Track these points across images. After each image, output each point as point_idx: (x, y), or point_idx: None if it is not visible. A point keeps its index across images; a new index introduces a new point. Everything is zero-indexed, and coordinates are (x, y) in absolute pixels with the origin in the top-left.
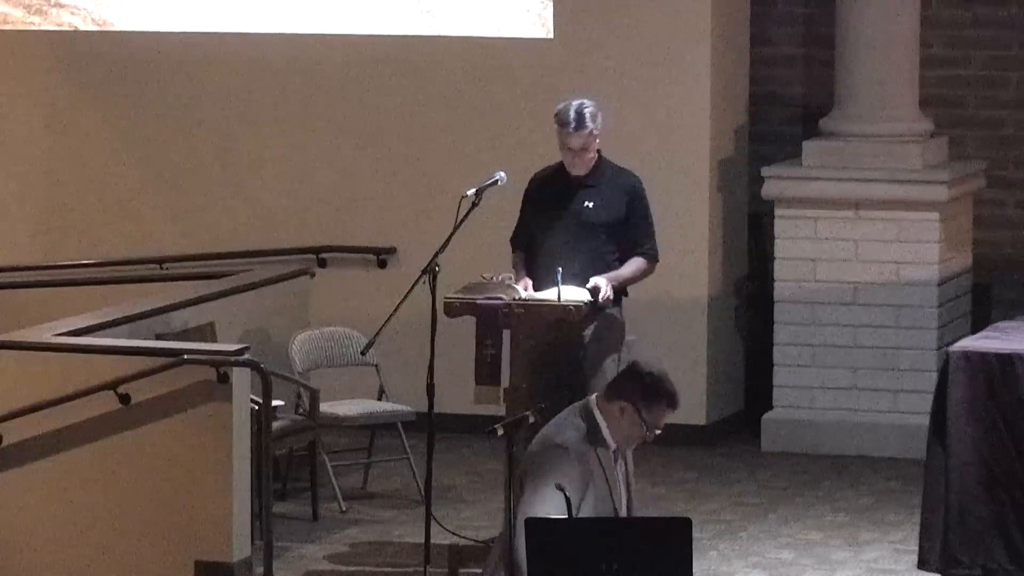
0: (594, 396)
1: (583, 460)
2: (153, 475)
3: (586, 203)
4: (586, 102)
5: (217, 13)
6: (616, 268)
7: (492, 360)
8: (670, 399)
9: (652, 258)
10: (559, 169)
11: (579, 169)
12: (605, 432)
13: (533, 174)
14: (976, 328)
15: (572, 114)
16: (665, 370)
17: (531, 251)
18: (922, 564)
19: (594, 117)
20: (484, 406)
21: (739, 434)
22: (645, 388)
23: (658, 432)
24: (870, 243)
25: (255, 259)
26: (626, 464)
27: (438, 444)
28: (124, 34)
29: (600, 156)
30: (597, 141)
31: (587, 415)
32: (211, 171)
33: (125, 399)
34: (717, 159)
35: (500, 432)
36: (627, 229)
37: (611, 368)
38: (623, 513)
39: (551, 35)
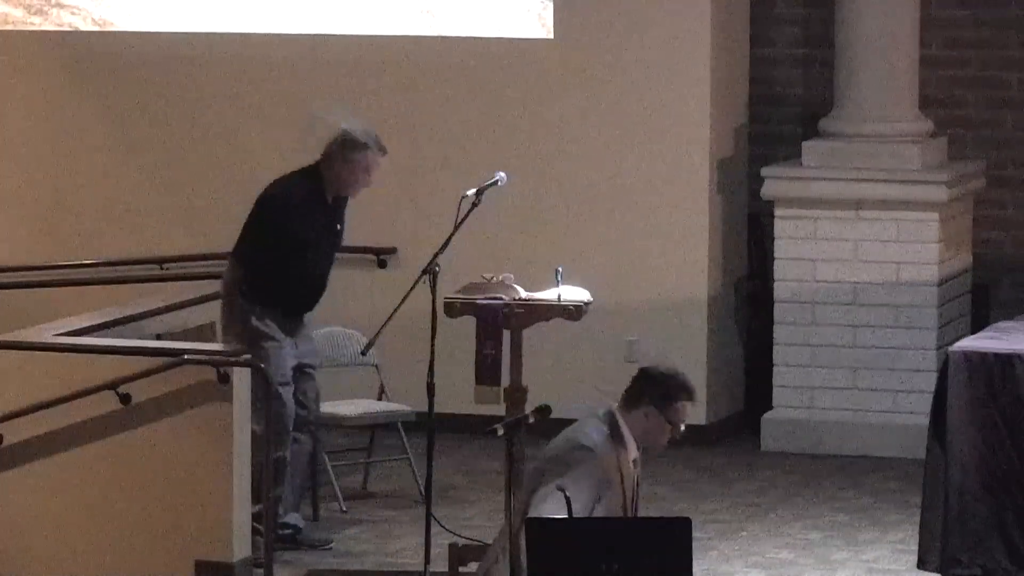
0: (614, 406)
1: (606, 464)
2: (153, 475)
3: (338, 226)
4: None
5: (217, 13)
6: None
7: (492, 360)
8: (689, 393)
9: None
10: (315, 188)
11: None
12: (629, 440)
13: (283, 189)
14: (976, 328)
15: (380, 139)
16: (674, 365)
17: (263, 268)
18: (922, 564)
19: None
20: (484, 406)
21: (739, 434)
22: (663, 389)
23: (682, 428)
24: (870, 243)
25: None
26: (637, 472)
27: (438, 444)
28: (124, 34)
29: None
30: None
31: (611, 423)
32: (211, 171)
33: (125, 399)
34: (717, 159)
35: (500, 432)
36: None
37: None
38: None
39: (551, 35)
